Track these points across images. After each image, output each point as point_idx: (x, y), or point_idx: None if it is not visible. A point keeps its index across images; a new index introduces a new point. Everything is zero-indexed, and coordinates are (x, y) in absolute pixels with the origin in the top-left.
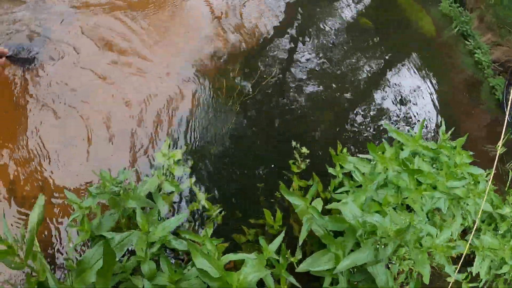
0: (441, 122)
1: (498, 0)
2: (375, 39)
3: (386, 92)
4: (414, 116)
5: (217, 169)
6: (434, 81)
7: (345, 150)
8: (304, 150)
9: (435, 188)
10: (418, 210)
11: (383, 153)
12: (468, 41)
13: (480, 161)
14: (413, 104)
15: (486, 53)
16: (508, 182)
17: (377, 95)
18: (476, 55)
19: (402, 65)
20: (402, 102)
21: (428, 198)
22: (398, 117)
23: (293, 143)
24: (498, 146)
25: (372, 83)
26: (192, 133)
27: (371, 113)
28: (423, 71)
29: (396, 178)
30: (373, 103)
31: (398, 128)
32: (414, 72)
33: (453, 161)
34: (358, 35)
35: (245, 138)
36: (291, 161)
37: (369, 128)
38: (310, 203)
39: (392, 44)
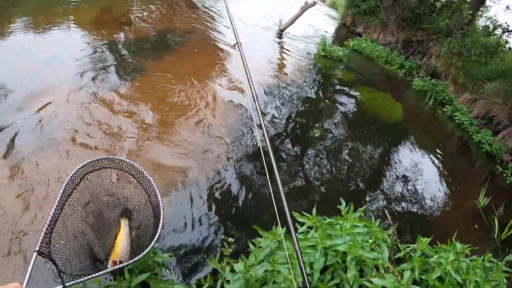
0: (341, 202)
1: (465, 59)
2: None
3: (388, 181)
4: (417, 190)
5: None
6: (428, 155)
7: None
8: (231, 239)
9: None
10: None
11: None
12: (445, 107)
13: (468, 215)
14: (410, 180)
15: (465, 113)
16: (496, 227)
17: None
18: (455, 118)
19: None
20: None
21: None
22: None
23: (222, 236)
24: (479, 200)
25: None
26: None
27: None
28: (414, 150)
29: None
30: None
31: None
32: (403, 153)
33: (344, 228)
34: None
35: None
36: (223, 248)
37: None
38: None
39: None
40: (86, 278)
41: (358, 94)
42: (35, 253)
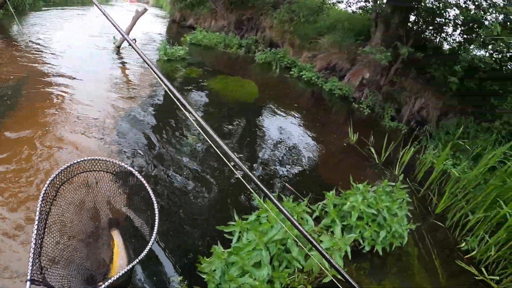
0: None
1: (296, 24)
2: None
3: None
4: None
5: None
6: (292, 116)
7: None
8: (179, 278)
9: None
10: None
11: None
12: (291, 70)
13: (347, 154)
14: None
15: (310, 69)
16: (374, 154)
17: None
18: (303, 76)
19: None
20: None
21: None
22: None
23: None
24: (351, 138)
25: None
26: None
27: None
28: (276, 116)
29: None
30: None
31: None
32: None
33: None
34: None
35: None
36: None
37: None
38: None
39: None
40: None
41: (211, 85)
42: (28, 283)
